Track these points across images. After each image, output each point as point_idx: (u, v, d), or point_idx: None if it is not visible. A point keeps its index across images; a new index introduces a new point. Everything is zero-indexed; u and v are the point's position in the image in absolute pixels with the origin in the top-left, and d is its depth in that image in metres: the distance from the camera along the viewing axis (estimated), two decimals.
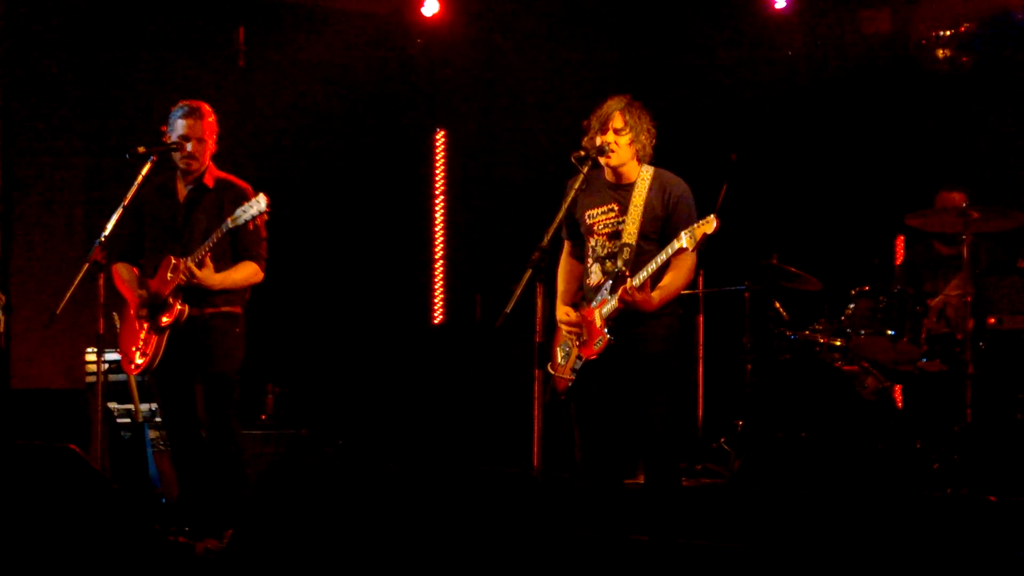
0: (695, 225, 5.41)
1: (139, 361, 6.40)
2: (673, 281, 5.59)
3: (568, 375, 5.71)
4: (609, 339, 5.55)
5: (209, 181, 6.46)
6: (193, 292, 6.29)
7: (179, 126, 6.41)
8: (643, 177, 5.66)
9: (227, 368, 6.42)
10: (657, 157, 5.78)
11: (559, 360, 5.75)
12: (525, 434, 5.52)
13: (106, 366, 6.91)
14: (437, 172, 9.98)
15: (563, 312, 5.79)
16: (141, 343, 6.40)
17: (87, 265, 6.11)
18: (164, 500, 7.18)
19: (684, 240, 5.39)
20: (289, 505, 4.70)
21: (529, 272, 5.30)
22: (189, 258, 6.21)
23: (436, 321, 9.92)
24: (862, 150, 8.94)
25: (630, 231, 5.59)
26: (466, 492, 4.47)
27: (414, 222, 9.94)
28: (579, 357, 5.67)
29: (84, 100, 8.84)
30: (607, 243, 5.64)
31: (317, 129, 9.48)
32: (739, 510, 6.83)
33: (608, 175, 5.71)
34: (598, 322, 5.60)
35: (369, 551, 4.44)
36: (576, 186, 5.56)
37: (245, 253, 6.40)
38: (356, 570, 4.42)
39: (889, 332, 7.33)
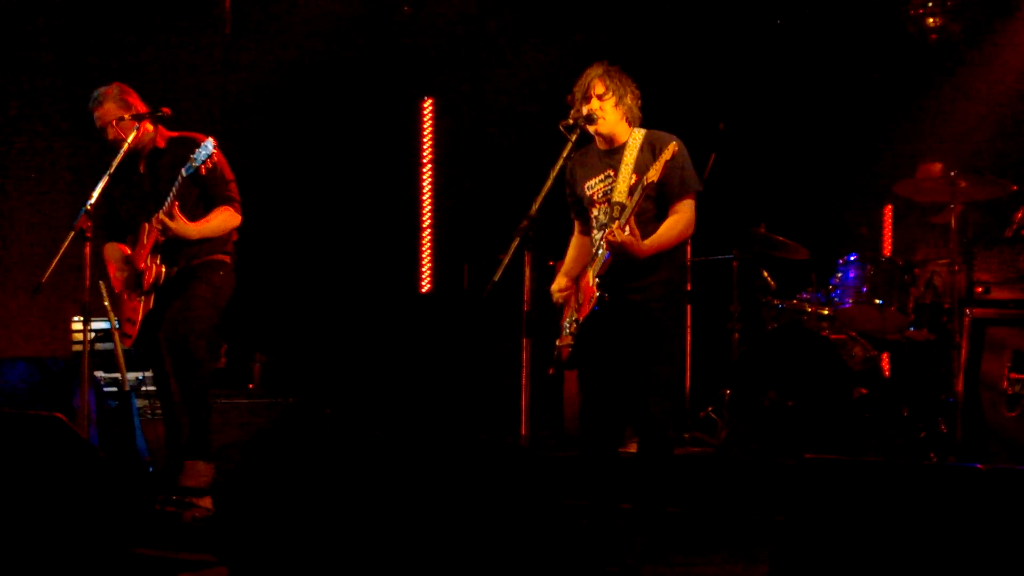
0: (658, 158, 5.42)
1: (131, 331, 6.50)
2: (672, 226, 5.56)
3: (569, 341, 5.72)
4: (599, 294, 5.54)
5: (160, 143, 6.55)
6: (174, 248, 6.38)
7: (95, 120, 6.50)
8: (634, 138, 5.66)
9: (197, 306, 6.41)
10: (645, 126, 5.78)
11: (565, 332, 5.77)
12: (513, 403, 5.52)
13: (93, 335, 6.90)
14: (425, 140, 9.95)
15: (556, 283, 5.82)
16: (131, 312, 6.50)
17: (72, 233, 6.09)
18: (151, 469, 7.17)
19: (651, 174, 5.40)
20: (276, 473, 4.69)
21: (517, 241, 5.29)
22: (160, 212, 6.25)
23: (424, 290, 9.91)
24: (851, 119, 8.92)
25: (620, 189, 5.58)
26: (453, 461, 4.47)
27: (402, 190, 9.92)
28: (577, 320, 5.68)
29: (69, 67, 8.79)
30: (607, 209, 5.64)
31: (304, 97, 9.44)
32: (726, 479, 6.86)
33: (600, 144, 5.72)
34: (591, 280, 5.61)
35: (356, 519, 4.44)
36: (565, 154, 5.54)
37: (216, 199, 6.46)
38: (343, 538, 4.42)
39: (877, 301, 7.34)
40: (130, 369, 7.58)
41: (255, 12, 9.28)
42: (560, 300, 5.79)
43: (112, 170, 6.21)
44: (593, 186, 5.72)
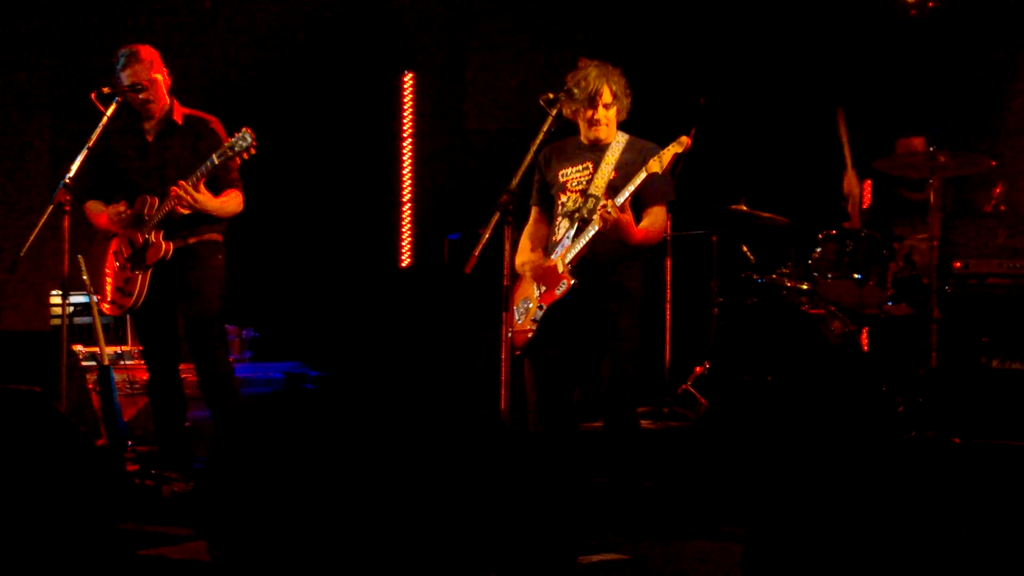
0: (666, 148, 5.48)
1: (122, 301, 6.47)
2: (651, 227, 5.70)
3: (528, 327, 5.72)
4: (573, 283, 5.56)
5: (178, 118, 6.54)
6: (174, 225, 6.39)
7: (123, 77, 6.43)
8: (618, 140, 5.77)
9: (211, 292, 6.50)
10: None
11: (516, 318, 5.76)
12: (492, 377, 5.52)
13: (71, 309, 6.88)
14: (405, 114, 9.92)
15: (520, 260, 5.83)
16: (124, 283, 6.45)
17: (51, 207, 6.08)
18: (130, 443, 7.16)
19: (653, 164, 5.46)
20: (254, 447, 4.69)
21: (497, 215, 5.29)
22: (187, 182, 6.26)
23: (404, 264, 9.90)
24: (830, 94, 8.91)
25: (598, 184, 5.67)
26: (433, 435, 4.48)
27: (382, 164, 9.89)
28: (540, 307, 5.68)
29: (48, 42, 8.74)
30: (578, 199, 5.70)
31: (284, 70, 9.40)
32: (705, 453, 6.87)
33: (584, 138, 5.81)
34: (560, 267, 5.63)
35: (336, 492, 4.44)
36: (545, 128, 5.55)
37: (230, 183, 6.50)
38: (321, 511, 4.42)
39: (856, 276, 7.35)
40: (109, 343, 7.56)
41: None
42: (533, 277, 5.78)
43: (92, 143, 6.20)
44: (569, 174, 5.79)
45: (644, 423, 7.40)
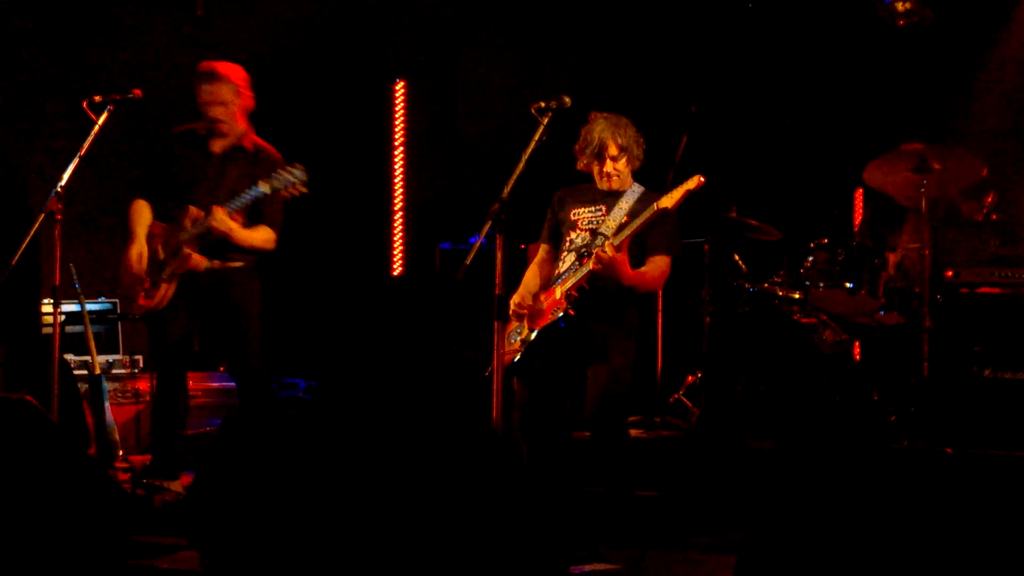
0: (678, 187, 5.52)
1: (143, 303, 6.47)
2: (650, 271, 5.77)
3: (517, 347, 5.80)
4: (567, 308, 5.63)
5: (248, 144, 6.59)
6: (213, 245, 6.41)
7: (200, 92, 6.50)
8: (632, 189, 5.86)
9: (252, 314, 6.57)
10: (617, 110, 5.86)
11: (510, 340, 5.81)
12: (484, 386, 5.52)
13: (63, 317, 6.87)
14: (397, 123, 9.92)
15: (519, 296, 5.89)
16: (148, 284, 6.46)
17: (42, 215, 6.06)
18: (121, 452, 7.15)
19: (664, 200, 5.53)
20: (247, 457, 4.69)
21: (489, 224, 5.30)
22: (223, 208, 6.29)
23: (395, 273, 9.89)
24: (822, 103, 8.93)
25: (609, 225, 5.74)
26: (426, 445, 4.47)
27: (374, 173, 9.89)
28: (532, 330, 5.74)
29: (40, 48, 8.72)
30: (587, 236, 5.79)
31: (276, 78, 9.37)
32: (697, 463, 6.87)
33: (600, 184, 5.89)
34: (557, 294, 5.73)
35: (328, 502, 4.43)
36: (537, 137, 5.55)
37: (266, 218, 6.52)
38: (313, 521, 4.41)
39: (847, 285, 7.36)
40: (100, 352, 7.55)
41: None
42: (517, 315, 5.84)
43: (83, 152, 6.18)
44: (580, 213, 5.88)
45: (636, 432, 7.40)
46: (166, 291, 6.42)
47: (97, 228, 8.70)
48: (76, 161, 6.15)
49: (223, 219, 6.29)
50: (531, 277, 6.01)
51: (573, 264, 5.75)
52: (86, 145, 6.19)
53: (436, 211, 9.75)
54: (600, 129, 5.80)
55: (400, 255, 9.87)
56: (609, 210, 5.81)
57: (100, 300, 8.16)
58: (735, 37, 9.06)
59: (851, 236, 7.80)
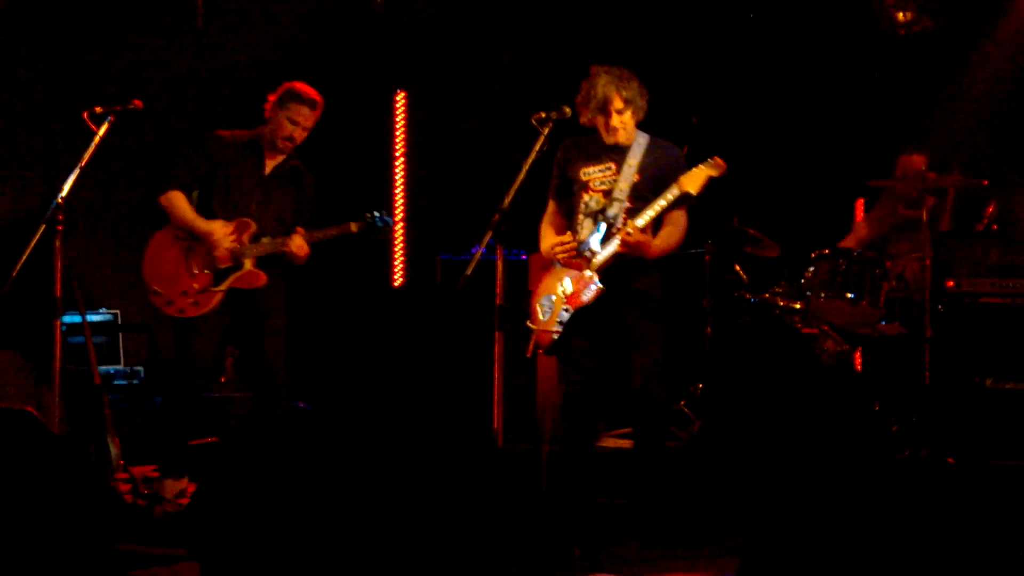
0: (698, 167, 5.50)
1: (186, 305, 6.52)
2: (671, 234, 5.77)
3: (553, 328, 5.73)
4: (601, 288, 5.58)
5: (296, 163, 6.78)
6: (267, 260, 6.59)
7: (299, 112, 6.64)
8: (638, 141, 5.81)
9: (282, 327, 6.74)
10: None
11: (540, 316, 5.78)
12: (485, 397, 5.52)
13: (64, 328, 6.87)
14: (397, 134, 9.92)
15: (553, 241, 5.83)
16: (195, 292, 6.53)
17: (43, 226, 6.06)
18: (122, 462, 7.13)
19: (686, 184, 5.50)
20: (248, 468, 4.68)
21: (489, 234, 5.30)
22: (307, 235, 6.57)
23: (396, 283, 9.88)
24: (823, 112, 8.94)
25: (622, 187, 5.71)
26: (426, 455, 4.47)
27: (374, 184, 9.88)
28: (566, 309, 5.69)
29: (40, 58, 8.73)
30: (602, 199, 5.75)
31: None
32: (699, 473, 6.86)
33: (605, 138, 5.82)
34: (588, 272, 5.68)
35: (329, 514, 4.43)
36: (537, 148, 5.56)
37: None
38: (314, 533, 4.41)
39: (849, 295, 7.35)
40: (100, 364, 7.54)
41: (227, 5, 9.23)
42: (565, 256, 5.78)
43: (84, 163, 6.18)
44: (591, 173, 5.82)
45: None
46: (216, 300, 6.47)
47: (97, 238, 8.70)
48: (77, 172, 6.16)
49: (302, 246, 6.54)
50: (548, 230, 5.96)
51: (593, 232, 5.71)
52: (87, 156, 6.20)
53: (436, 221, 9.74)
54: (603, 83, 5.75)
55: (401, 266, 9.87)
56: (619, 168, 5.76)
57: (101, 311, 8.16)
58: (736, 48, 9.06)
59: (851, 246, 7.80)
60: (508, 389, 5.50)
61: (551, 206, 5.98)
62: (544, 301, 5.79)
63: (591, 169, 5.81)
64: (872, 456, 6.97)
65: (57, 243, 6.07)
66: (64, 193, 6.09)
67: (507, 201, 5.37)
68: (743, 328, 7.72)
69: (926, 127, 8.54)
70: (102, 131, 6.28)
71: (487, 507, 4.30)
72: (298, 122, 6.62)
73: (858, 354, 7.94)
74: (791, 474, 4.07)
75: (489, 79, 9.64)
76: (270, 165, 6.70)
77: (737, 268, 8.06)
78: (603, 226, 5.70)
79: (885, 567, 3.84)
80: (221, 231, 6.51)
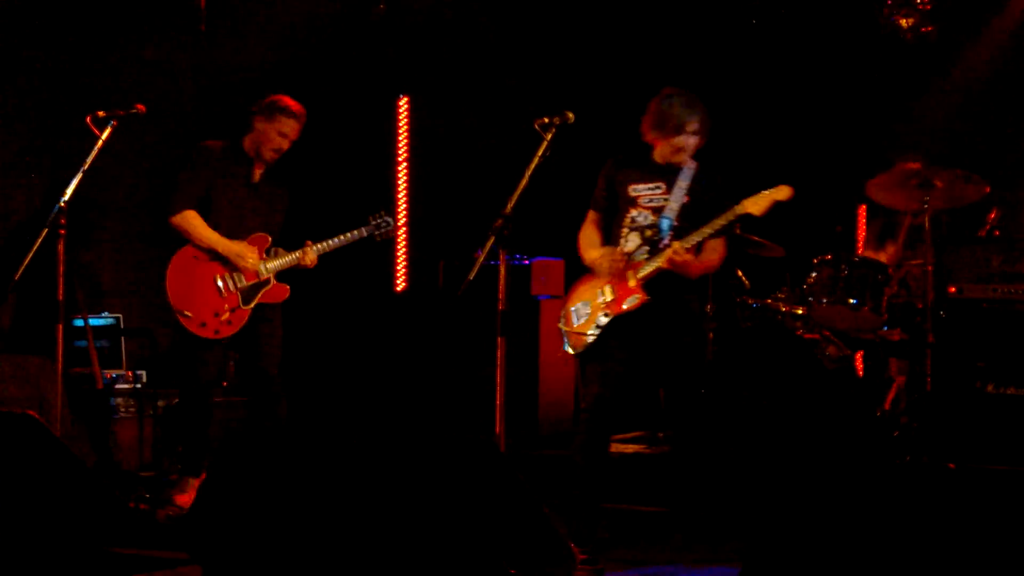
0: (764, 192, 5.62)
1: (221, 327, 6.62)
2: (711, 257, 5.90)
3: (589, 331, 5.84)
4: (646, 298, 5.75)
5: (275, 169, 6.89)
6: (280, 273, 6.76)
7: (287, 124, 6.80)
8: (689, 165, 5.93)
9: (281, 329, 6.91)
10: (620, 125, 5.90)
11: (574, 320, 5.89)
12: (487, 402, 5.52)
13: (67, 331, 6.89)
14: (400, 138, 9.93)
15: (602, 251, 5.92)
16: (227, 311, 6.62)
17: (46, 231, 6.07)
18: (124, 467, 7.16)
19: (749, 207, 5.55)
20: (250, 472, 4.68)
21: (492, 239, 5.31)
22: (317, 249, 6.80)
23: (399, 288, 9.89)
24: (825, 118, 8.94)
25: (672, 208, 5.83)
26: (428, 460, 4.47)
27: (377, 189, 9.89)
28: (605, 314, 5.78)
29: (43, 63, 8.73)
30: (651, 216, 5.86)
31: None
32: (700, 477, 6.86)
33: (658, 156, 5.95)
34: (631, 282, 5.79)
35: (330, 519, 4.43)
36: (540, 153, 5.57)
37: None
38: (316, 538, 4.41)
39: (851, 301, 7.36)
40: (103, 367, 7.55)
41: (230, 10, 9.24)
42: (614, 266, 5.87)
43: (87, 166, 6.19)
44: (640, 190, 5.93)
45: (638, 448, 7.41)
46: (247, 317, 6.62)
47: (98, 242, 8.71)
48: (80, 175, 6.16)
49: (315, 259, 6.77)
50: (594, 239, 6.04)
51: (641, 246, 5.82)
52: (90, 160, 6.21)
53: (439, 226, 9.75)
54: (680, 105, 5.89)
55: (403, 270, 9.88)
56: (669, 188, 5.87)
57: (104, 315, 8.17)
58: (738, 52, 9.07)
59: (854, 252, 7.81)
60: (510, 394, 5.50)
61: (592, 215, 6.08)
62: (580, 307, 5.91)
63: (640, 186, 5.93)
64: (874, 461, 6.98)
65: (60, 247, 6.07)
66: (67, 197, 6.10)
67: (510, 206, 5.38)
68: (745, 333, 7.72)
69: (928, 133, 8.55)
70: (105, 135, 6.29)
71: (488, 510, 4.30)
72: (286, 134, 6.75)
73: (859, 359, 7.94)
74: (792, 479, 4.07)
75: (492, 84, 9.65)
76: (257, 173, 6.82)
77: (739, 273, 8.07)
78: (646, 247, 5.84)
79: (887, 572, 3.85)
80: (247, 249, 6.58)
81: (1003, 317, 7.17)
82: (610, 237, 5.96)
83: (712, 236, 5.78)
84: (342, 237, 6.76)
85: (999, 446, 6.77)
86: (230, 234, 6.64)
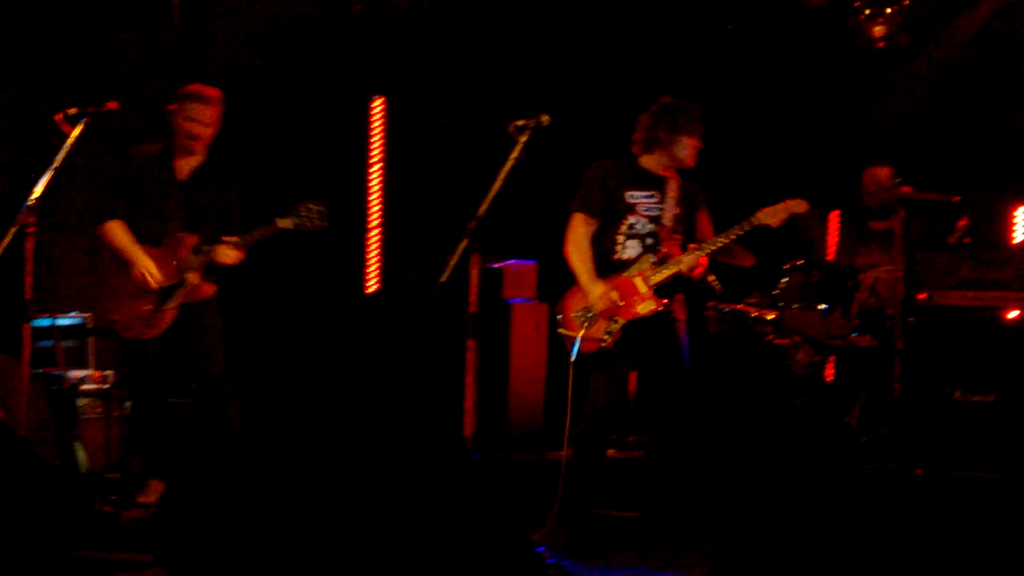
0: (781, 204, 5.95)
1: (142, 329, 6.53)
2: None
3: (601, 336, 5.93)
4: (662, 303, 5.94)
5: (213, 161, 6.73)
6: (207, 269, 6.59)
7: (194, 109, 6.59)
8: (673, 177, 6.12)
9: (219, 330, 6.75)
10: (597, 129, 5.95)
11: (578, 325, 5.99)
12: (458, 404, 5.51)
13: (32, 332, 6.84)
14: (374, 139, 9.91)
15: (602, 289, 6.00)
16: (146, 312, 6.52)
17: (14, 229, 6.03)
18: (90, 468, 7.11)
19: (764, 218, 5.95)
20: (215, 474, 4.66)
21: (465, 242, 5.30)
22: (241, 241, 6.57)
23: (370, 290, 9.87)
24: (798, 124, 8.96)
25: (668, 216, 6.03)
26: (398, 462, 4.46)
27: (350, 190, 9.87)
28: (614, 320, 5.93)
29: (13, 59, 8.68)
30: (648, 224, 6.02)
31: (253, 93, 9.36)
32: (667, 482, 6.86)
33: (650, 164, 6.11)
34: (643, 288, 5.94)
35: (298, 522, 4.41)
36: (514, 156, 5.56)
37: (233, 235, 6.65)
38: (282, 539, 4.39)
39: (821, 306, 7.38)
40: (71, 366, 7.50)
41: (204, 7, 9.20)
42: (609, 304, 5.96)
43: (58, 163, 6.15)
44: (637, 197, 6.06)
45: (610, 452, 7.39)
46: (169, 319, 6.46)
47: (65, 242, 8.66)
48: (50, 174, 6.12)
49: (230, 254, 6.52)
50: (590, 258, 6.08)
51: (642, 254, 5.98)
52: (60, 157, 6.16)
53: (412, 228, 9.73)
54: (684, 114, 6.11)
55: (376, 272, 9.85)
56: (662, 197, 6.02)
57: (71, 315, 8.11)
58: (710, 59, 9.08)
59: (824, 258, 7.83)
60: (481, 397, 5.49)
61: (584, 219, 6.11)
62: (580, 313, 6.00)
63: (637, 193, 6.05)
64: (841, 467, 7.00)
65: (28, 245, 6.03)
66: (36, 195, 6.05)
67: (483, 209, 5.37)
68: (715, 338, 7.73)
69: (900, 139, 8.57)
70: (76, 132, 6.25)
71: (458, 515, 4.30)
72: (195, 118, 6.58)
73: (830, 365, 7.96)
74: (761, 484, 4.08)
75: (467, 86, 9.64)
76: (186, 168, 6.67)
77: (711, 278, 8.06)
78: (651, 254, 6.01)
79: None
80: (152, 265, 6.52)
81: (971, 324, 7.21)
82: (602, 242, 6.00)
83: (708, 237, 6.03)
84: (264, 229, 6.62)
85: (966, 452, 6.81)
86: (152, 237, 6.57)
